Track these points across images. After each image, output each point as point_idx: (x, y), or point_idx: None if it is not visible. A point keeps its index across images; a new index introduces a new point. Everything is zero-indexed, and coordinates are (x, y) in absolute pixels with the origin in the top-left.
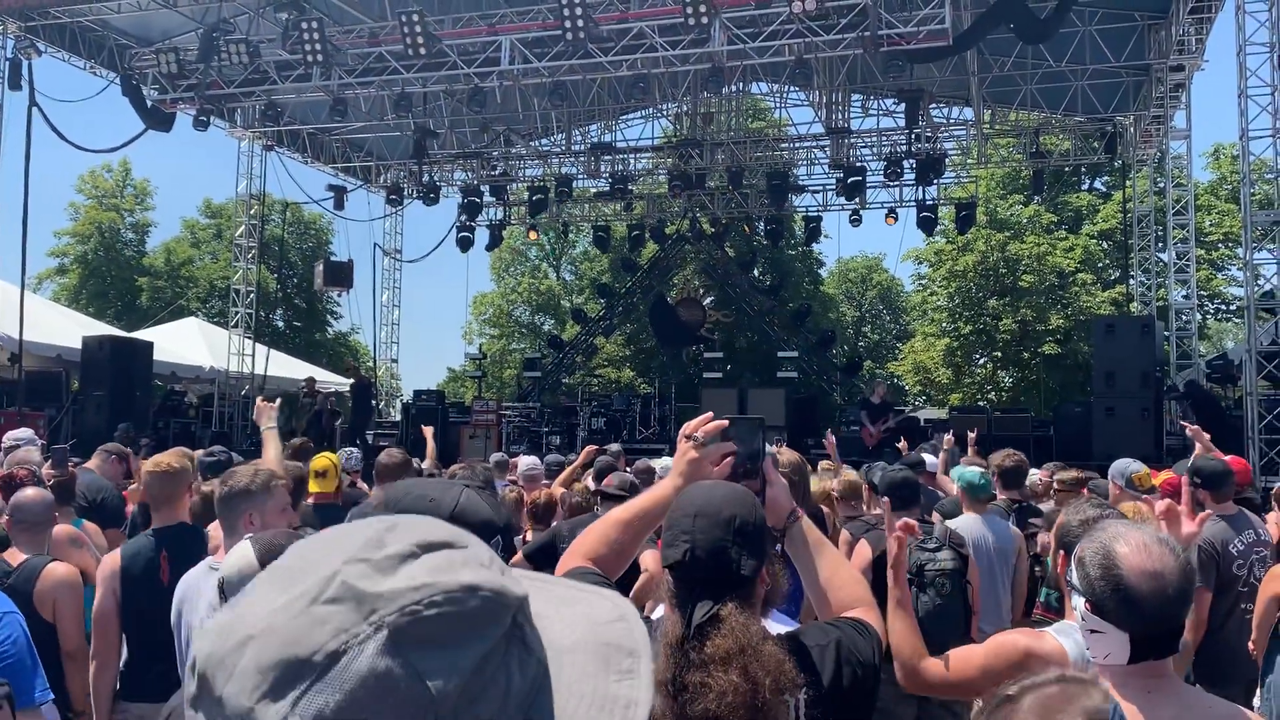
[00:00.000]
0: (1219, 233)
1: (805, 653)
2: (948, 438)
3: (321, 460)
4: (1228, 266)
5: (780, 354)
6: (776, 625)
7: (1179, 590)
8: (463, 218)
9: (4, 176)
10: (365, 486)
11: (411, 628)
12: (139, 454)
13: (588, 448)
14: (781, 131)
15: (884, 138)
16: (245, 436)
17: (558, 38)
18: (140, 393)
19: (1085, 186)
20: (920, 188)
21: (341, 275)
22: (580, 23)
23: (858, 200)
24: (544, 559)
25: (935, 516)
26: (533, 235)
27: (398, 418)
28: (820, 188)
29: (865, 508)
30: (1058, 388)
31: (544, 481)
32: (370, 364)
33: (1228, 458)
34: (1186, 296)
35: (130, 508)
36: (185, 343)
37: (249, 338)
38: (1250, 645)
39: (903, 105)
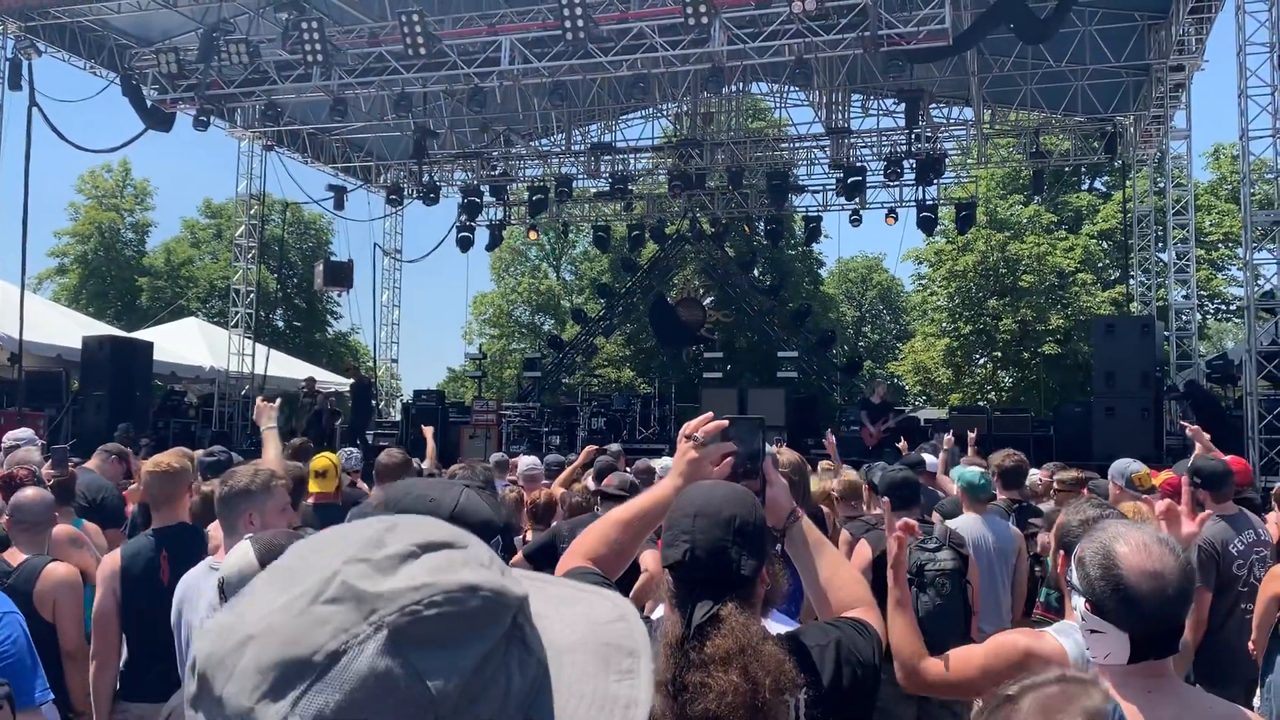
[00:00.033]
0: (1219, 233)
1: (805, 653)
2: (948, 438)
3: (321, 460)
4: (1228, 266)
5: (780, 354)
6: (776, 625)
7: (1179, 590)
8: (463, 218)
9: (4, 176)
10: (365, 486)
11: (411, 628)
12: (139, 454)
13: (588, 448)
14: (781, 131)
15: (884, 138)
16: (245, 436)
17: (558, 38)
18: (140, 393)
19: (1085, 186)
20: (920, 188)
21: (341, 275)
22: (580, 23)
23: (858, 200)
24: (544, 559)
25: (935, 516)
26: (533, 235)
27: (398, 418)
28: (820, 188)
29: (865, 508)
30: (1058, 388)
31: (544, 481)
32: (370, 364)
33: (1228, 458)
34: (1186, 296)
35: (130, 508)
36: (185, 343)
37: (249, 338)
38: (1250, 645)
39: (903, 105)
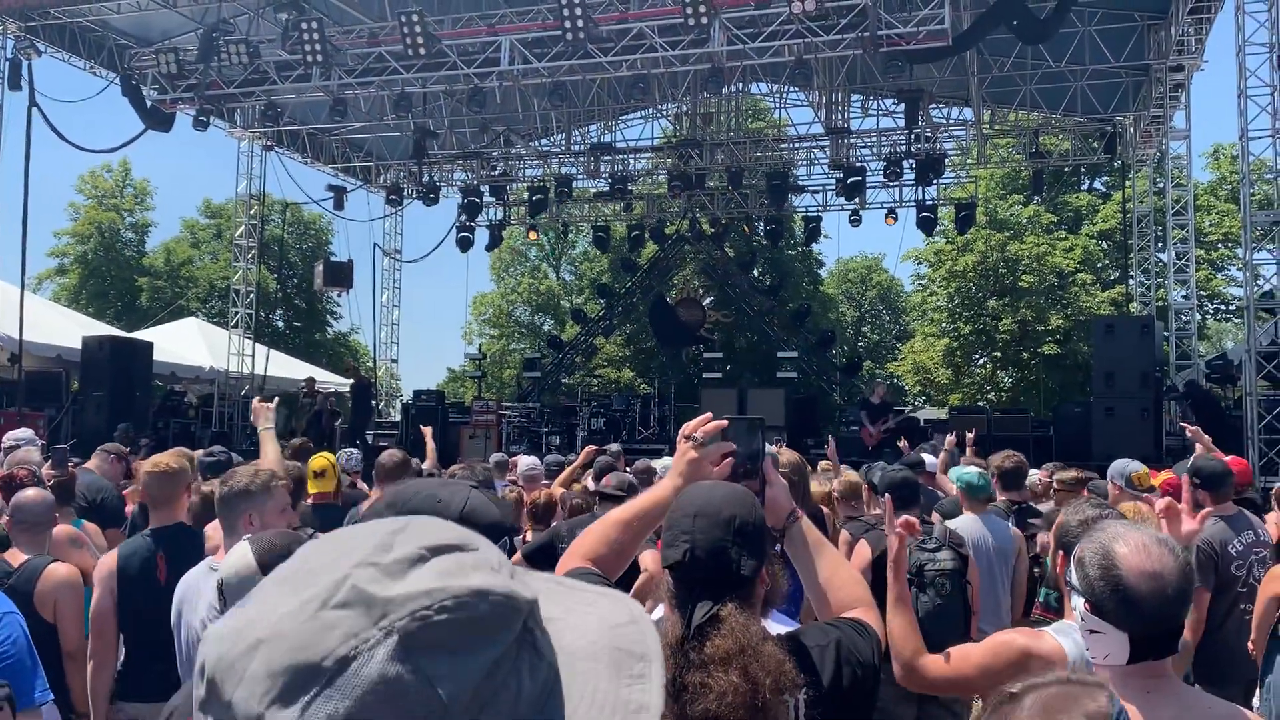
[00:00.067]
0: (1218, 233)
1: (805, 653)
2: (950, 439)
3: (319, 460)
4: (1227, 266)
5: (780, 354)
6: (776, 625)
7: (1178, 590)
8: (463, 218)
9: (4, 176)
10: (365, 487)
11: (422, 633)
12: (139, 454)
13: (587, 448)
14: (781, 132)
15: (884, 138)
16: (245, 437)
17: (557, 38)
18: (140, 393)
19: (1085, 187)
20: (920, 188)
21: (341, 275)
22: (580, 23)
23: (857, 200)
24: (543, 559)
25: (935, 517)
26: (532, 235)
27: (397, 418)
28: (820, 188)
29: (865, 508)
30: (1057, 388)
31: (544, 482)
32: (370, 364)
33: (1228, 458)
34: (1186, 297)
35: (130, 508)
36: (185, 343)
37: (249, 338)
38: (1249, 645)
39: (902, 105)
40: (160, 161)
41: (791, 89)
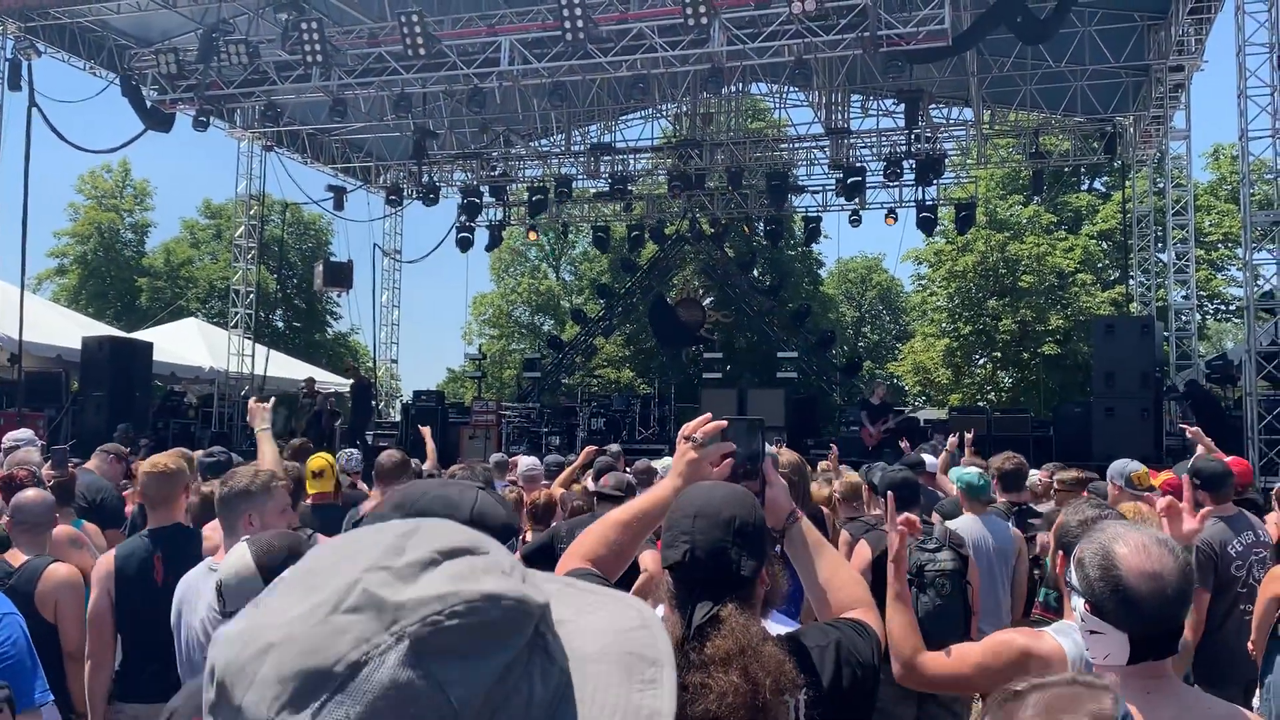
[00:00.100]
0: (1218, 233)
1: (805, 653)
2: (952, 440)
3: (317, 461)
4: (1227, 267)
5: (780, 354)
6: (776, 626)
7: (1178, 591)
8: (462, 218)
9: (4, 177)
10: (366, 487)
11: (433, 638)
12: (138, 454)
13: (587, 448)
14: (781, 132)
15: (884, 138)
16: (245, 437)
17: (557, 38)
18: (140, 393)
19: (1085, 187)
20: (920, 188)
21: (341, 276)
22: (580, 23)
23: (857, 200)
24: (542, 560)
25: (935, 517)
26: (532, 236)
27: (397, 418)
28: (820, 188)
29: (866, 508)
30: (1057, 388)
31: (544, 482)
32: (370, 364)
33: (1229, 459)
34: (1186, 297)
35: (130, 508)
36: (185, 343)
37: (249, 338)
38: (1249, 646)
39: (902, 105)
40: (160, 162)
41: (791, 89)
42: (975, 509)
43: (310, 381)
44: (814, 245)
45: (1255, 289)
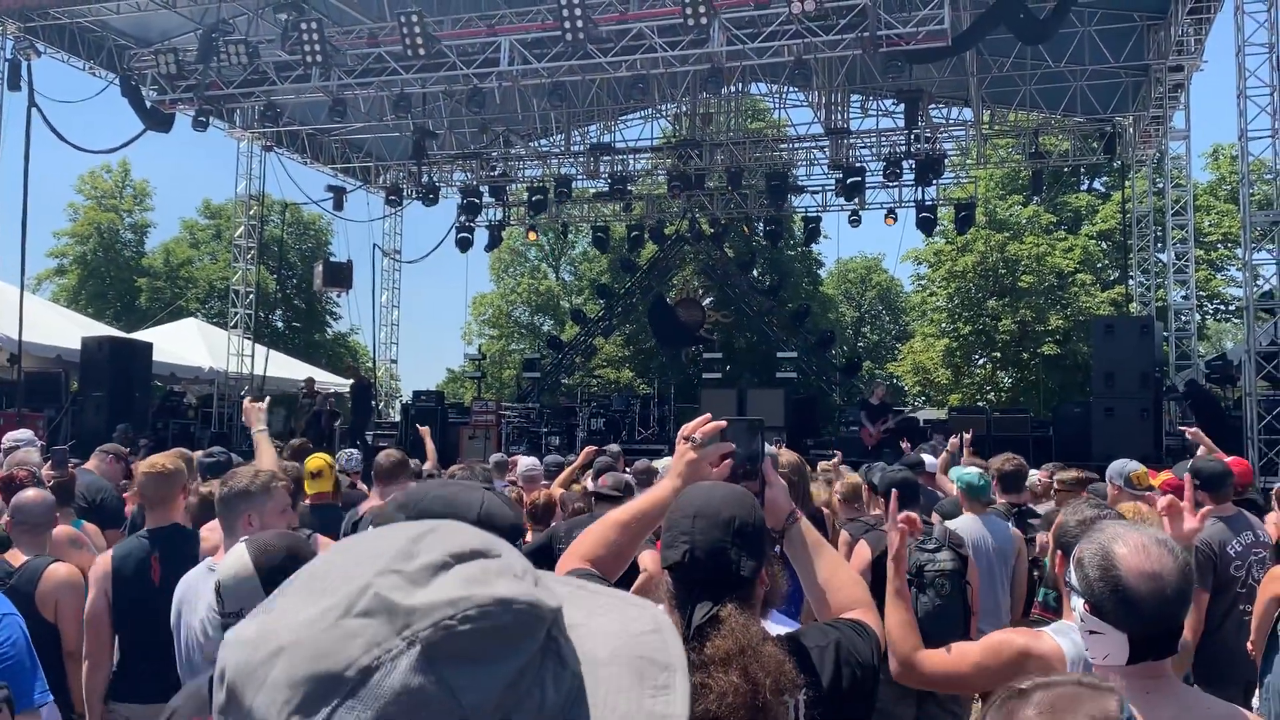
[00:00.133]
0: (1218, 233)
1: (805, 654)
2: (953, 440)
3: (316, 461)
4: (1227, 267)
5: (779, 354)
6: (776, 626)
7: (1177, 591)
8: (462, 218)
9: (4, 177)
10: (365, 487)
11: (445, 643)
12: (138, 455)
13: (587, 448)
14: (781, 132)
15: (883, 138)
16: (244, 438)
17: (557, 38)
18: (139, 393)
19: (1084, 187)
20: (919, 188)
21: (341, 276)
22: (579, 23)
23: (857, 201)
24: (541, 560)
25: (935, 517)
26: (532, 236)
27: (397, 418)
28: (819, 188)
29: (866, 509)
30: (1057, 388)
31: (543, 482)
32: (370, 364)
33: (1230, 459)
34: (1185, 297)
35: (130, 509)
36: (184, 343)
37: (248, 338)
38: (1249, 646)
39: (902, 106)
40: (160, 162)
41: (791, 89)
42: (975, 509)
43: (310, 382)
44: (814, 245)
45: (1255, 289)
